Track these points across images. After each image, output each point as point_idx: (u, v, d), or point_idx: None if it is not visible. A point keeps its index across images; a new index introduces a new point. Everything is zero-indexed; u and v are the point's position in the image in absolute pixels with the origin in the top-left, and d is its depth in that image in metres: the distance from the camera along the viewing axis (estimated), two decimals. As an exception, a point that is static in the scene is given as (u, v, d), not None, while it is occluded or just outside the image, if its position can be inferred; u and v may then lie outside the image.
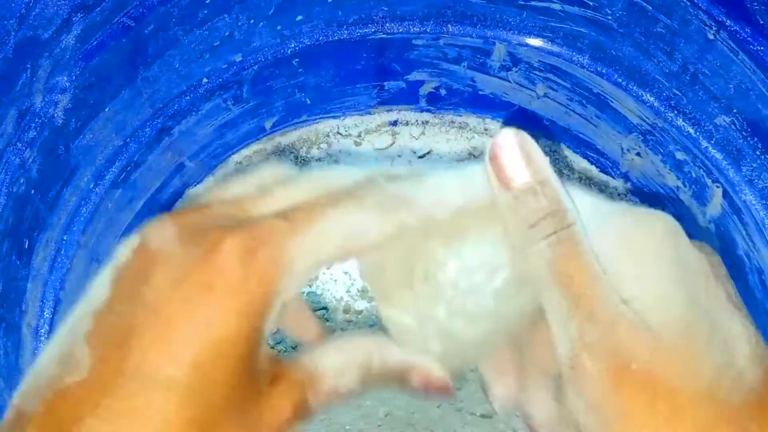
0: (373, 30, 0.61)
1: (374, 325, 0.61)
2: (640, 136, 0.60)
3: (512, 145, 0.30)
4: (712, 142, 0.55)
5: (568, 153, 0.66)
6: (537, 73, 0.61)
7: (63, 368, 0.26)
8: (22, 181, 0.48)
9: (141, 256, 0.27)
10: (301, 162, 0.66)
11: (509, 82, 0.63)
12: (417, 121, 0.68)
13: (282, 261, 0.27)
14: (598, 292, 0.29)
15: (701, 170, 0.57)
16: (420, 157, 0.66)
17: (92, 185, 0.55)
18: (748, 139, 0.53)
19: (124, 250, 0.28)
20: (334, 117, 0.67)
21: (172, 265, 0.27)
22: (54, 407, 0.25)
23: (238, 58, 0.59)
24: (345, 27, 0.60)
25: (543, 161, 0.31)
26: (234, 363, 0.26)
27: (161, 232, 0.27)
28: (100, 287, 0.28)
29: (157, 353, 0.26)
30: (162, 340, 0.26)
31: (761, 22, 0.48)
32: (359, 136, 0.67)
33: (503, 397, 0.35)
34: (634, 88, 0.58)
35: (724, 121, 0.54)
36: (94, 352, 0.26)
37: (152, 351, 0.26)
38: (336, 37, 0.61)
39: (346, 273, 0.63)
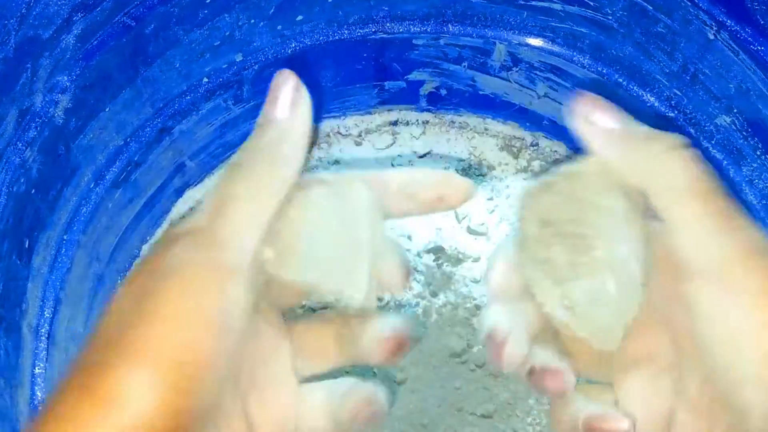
0: (373, 30, 0.61)
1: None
2: (640, 136, 0.60)
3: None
4: (713, 142, 0.55)
5: (569, 153, 0.66)
6: (537, 73, 0.61)
7: None
8: (22, 180, 0.48)
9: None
10: (302, 162, 0.66)
11: (510, 82, 0.63)
12: (417, 120, 0.68)
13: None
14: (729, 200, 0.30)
15: (702, 170, 0.57)
16: (420, 156, 0.66)
17: (92, 185, 0.55)
18: (749, 139, 0.53)
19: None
20: (334, 117, 0.67)
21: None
22: None
23: (239, 57, 0.59)
24: (345, 27, 0.60)
25: None
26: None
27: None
28: None
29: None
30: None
31: (762, 23, 0.48)
32: (359, 135, 0.67)
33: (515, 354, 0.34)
34: (635, 88, 0.58)
35: (725, 121, 0.54)
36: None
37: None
38: (336, 37, 0.61)
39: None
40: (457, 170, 0.65)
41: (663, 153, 0.30)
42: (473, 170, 0.65)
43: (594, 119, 0.31)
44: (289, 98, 0.30)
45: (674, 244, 0.30)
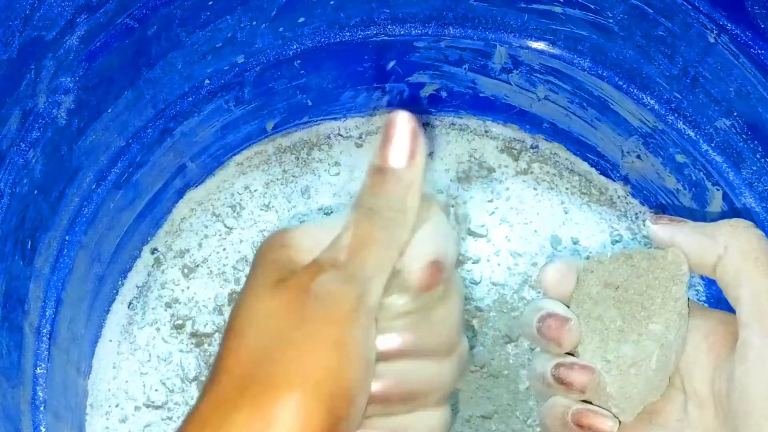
0: (374, 32, 0.61)
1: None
2: (640, 138, 0.60)
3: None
4: (713, 145, 0.56)
5: (569, 155, 0.66)
6: (538, 75, 0.62)
7: None
8: (25, 181, 0.48)
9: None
10: (302, 163, 0.66)
11: (510, 84, 0.63)
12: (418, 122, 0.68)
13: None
14: None
15: (701, 173, 0.57)
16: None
17: (94, 186, 0.55)
18: (749, 142, 0.53)
19: None
20: (335, 118, 0.67)
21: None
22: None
23: (240, 59, 0.59)
24: (347, 29, 0.60)
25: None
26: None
27: None
28: None
29: None
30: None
31: (762, 26, 0.49)
32: (360, 137, 0.67)
33: None
34: (635, 90, 0.58)
35: (725, 124, 0.54)
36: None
37: None
38: (338, 39, 0.61)
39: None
40: (457, 172, 0.65)
41: (729, 232, 0.36)
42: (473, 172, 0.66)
43: (672, 224, 0.37)
44: (408, 146, 0.31)
45: (737, 299, 0.34)
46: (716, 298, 0.60)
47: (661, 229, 0.37)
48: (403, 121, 0.31)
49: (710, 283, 0.60)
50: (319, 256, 0.31)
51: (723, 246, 0.35)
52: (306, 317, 0.29)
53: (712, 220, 0.57)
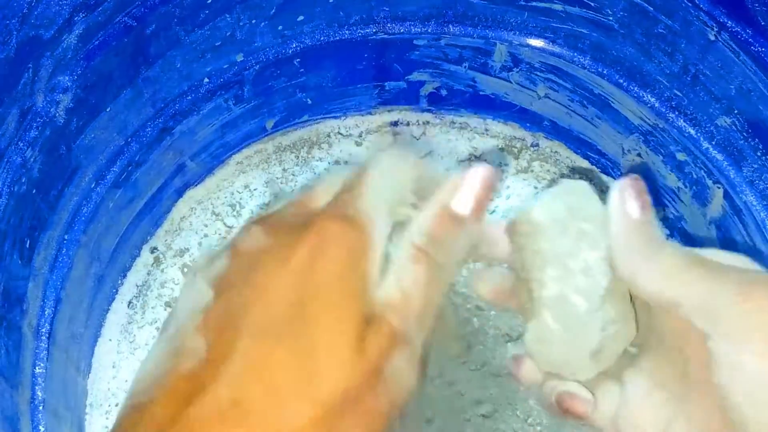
0: (374, 30, 0.61)
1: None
2: (641, 136, 0.60)
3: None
4: (713, 142, 0.56)
5: (569, 153, 0.66)
6: (538, 73, 0.61)
7: (177, 359, 0.29)
8: (23, 180, 0.48)
9: (239, 256, 0.30)
10: (302, 162, 0.66)
11: (510, 82, 0.63)
12: (418, 121, 0.68)
13: (366, 217, 0.30)
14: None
15: (702, 171, 0.57)
16: (421, 157, 0.66)
17: (93, 185, 0.55)
18: (749, 140, 0.53)
19: (217, 261, 0.31)
20: (335, 117, 0.67)
21: (274, 251, 0.30)
22: (174, 390, 0.28)
23: (240, 58, 0.59)
24: (346, 27, 0.60)
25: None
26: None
27: (252, 235, 0.31)
28: (198, 293, 0.31)
29: (266, 316, 0.28)
30: (271, 305, 0.28)
31: (762, 23, 0.48)
32: (360, 136, 0.67)
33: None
34: (635, 88, 0.58)
35: (725, 122, 0.54)
36: (208, 337, 0.29)
37: (262, 316, 0.28)
38: (337, 38, 0.61)
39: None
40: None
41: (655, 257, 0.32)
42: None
43: (628, 200, 0.33)
44: (479, 201, 0.32)
45: (684, 313, 0.31)
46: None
47: (617, 208, 0.33)
48: (486, 174, 0.33)
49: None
50: (388, 313, 0.30)
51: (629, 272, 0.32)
52: (367, 410, 0.28)
53: (713, 218, 0.57)
